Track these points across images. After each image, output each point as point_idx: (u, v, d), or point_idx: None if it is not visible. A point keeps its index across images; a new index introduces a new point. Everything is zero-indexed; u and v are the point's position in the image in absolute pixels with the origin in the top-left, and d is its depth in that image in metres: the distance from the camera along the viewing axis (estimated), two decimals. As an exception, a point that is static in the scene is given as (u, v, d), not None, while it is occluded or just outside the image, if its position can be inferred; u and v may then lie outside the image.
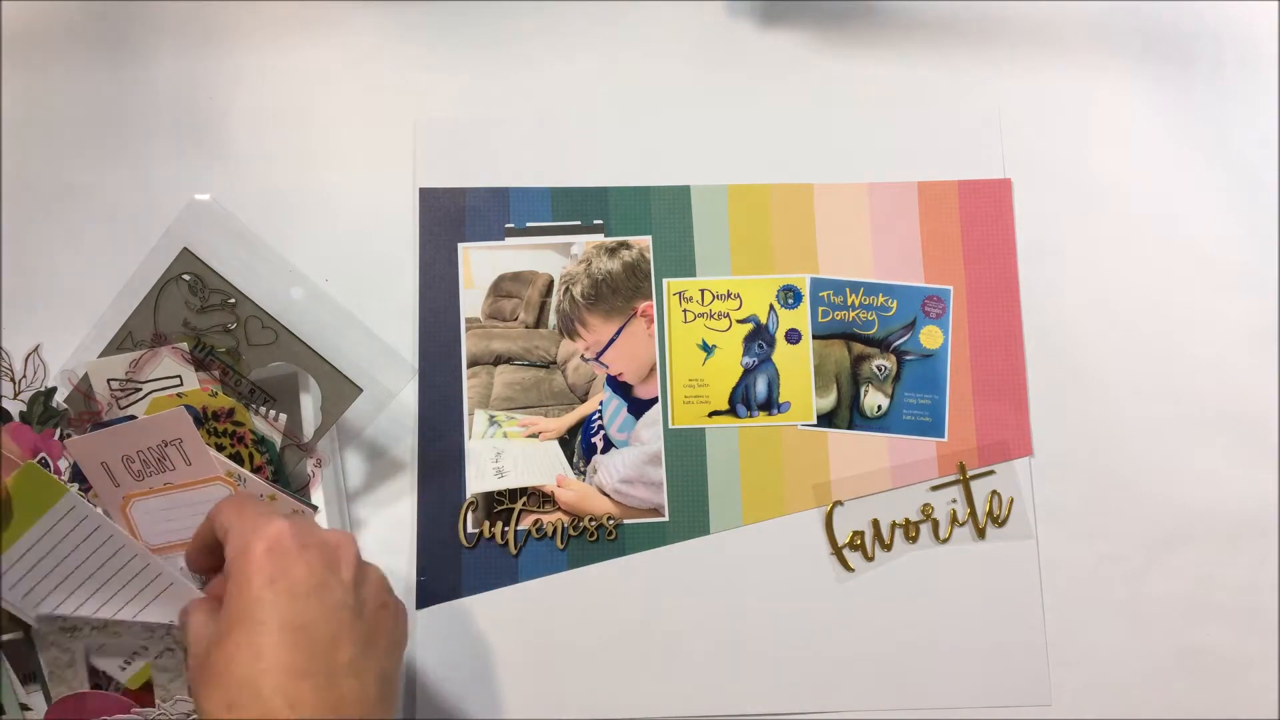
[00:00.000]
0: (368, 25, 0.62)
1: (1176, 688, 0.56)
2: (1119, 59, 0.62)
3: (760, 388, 0.58)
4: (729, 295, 0.59)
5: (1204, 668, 0.56)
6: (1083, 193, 0.61)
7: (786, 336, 0.59)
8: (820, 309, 0.58)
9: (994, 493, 0.57)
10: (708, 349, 0.58)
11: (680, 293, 0.59)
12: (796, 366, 0.58)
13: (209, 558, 0.46)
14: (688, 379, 0.58)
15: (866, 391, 0.57)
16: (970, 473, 0.57)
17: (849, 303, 0.58)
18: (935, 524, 0.57)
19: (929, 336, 0.58)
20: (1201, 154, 0.61)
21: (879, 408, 0.57)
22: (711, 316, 0.59)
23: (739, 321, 0.59)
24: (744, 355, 0.58)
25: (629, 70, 0.62)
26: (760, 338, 0.58)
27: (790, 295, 0.59)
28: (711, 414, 0.58)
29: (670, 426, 0.58)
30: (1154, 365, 0.59)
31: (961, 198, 0.60)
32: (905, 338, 0.58)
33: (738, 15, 0.63)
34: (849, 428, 0.57)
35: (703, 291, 0.59)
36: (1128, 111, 0.62)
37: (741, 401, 0.58)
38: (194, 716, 0.46)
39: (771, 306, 0.59)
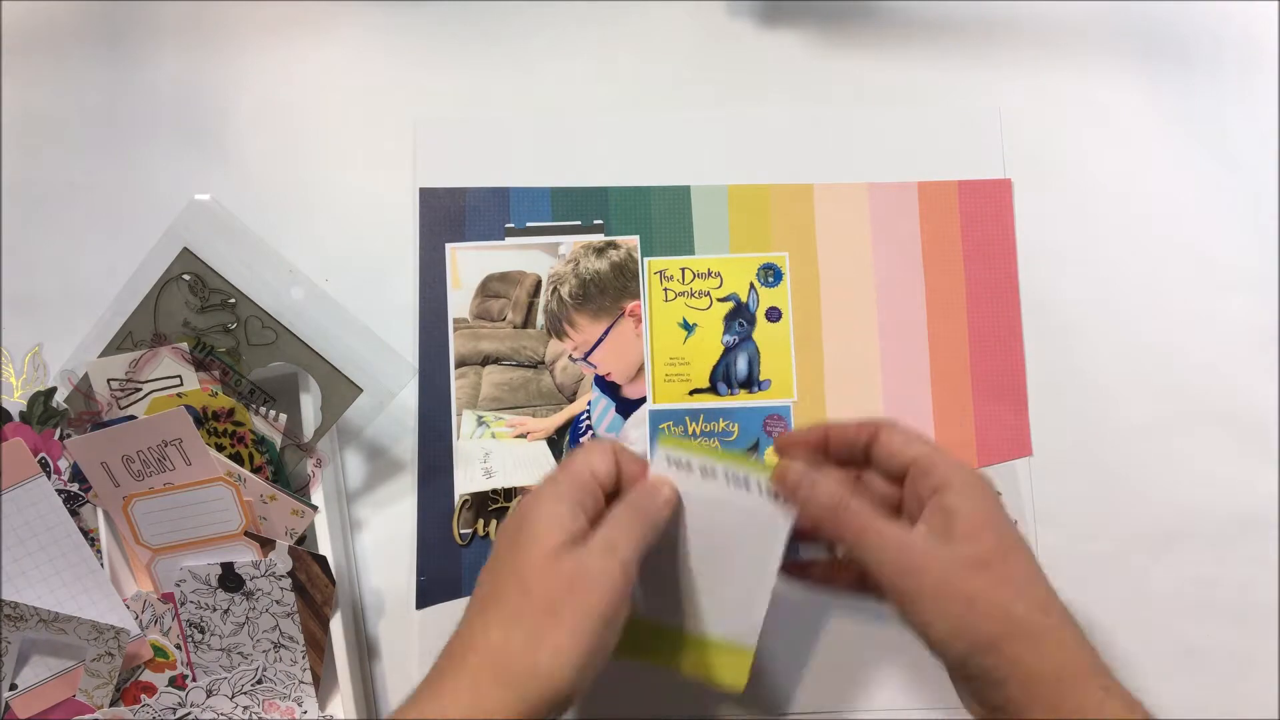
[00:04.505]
0: (368, 25, 0.62)
1: (1177, 688, 0.56)
2: (1119, 59, 0.62)
3: (741, 366, 0.58)
4: (709, 274, 0.59)
5: (1204, 667, 0.56)
6: (1083, 193, 0.61)
7: (767, 315, 0.59)
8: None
9: None
10: (688, 327, 0.58)
11: (661, 271, 0.59)
12: (777, 345, 0.58)
13: (817, 456, 0.47)
14: (668, 357, 0.58)
15: None
16: None
17: (689, 430, 0.57)
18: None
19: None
20: (1201, 154, 0.61)
21: None
22: (692, 295, 0.59)
23: (720, 300, 0.59)
24: (725, 334, 0.58)
25: (629, 70, 0.62)
26: (741, 316, 0.58)
27: (770, 274, 0.58)
28: (692, 392, 0.58)
29: (651, 406, 0.57)
30: (1154, 365, 0.59)
31: (961, 198, 0.60)
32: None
33: (738, 15, 0.63)
34: None
35: (683, 270, 0.59)
36: (1128, 111, 0.62)
37: (722, 379, 0.58)
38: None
39: (752, 285, 0.59)
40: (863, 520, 0.43)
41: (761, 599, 0.45)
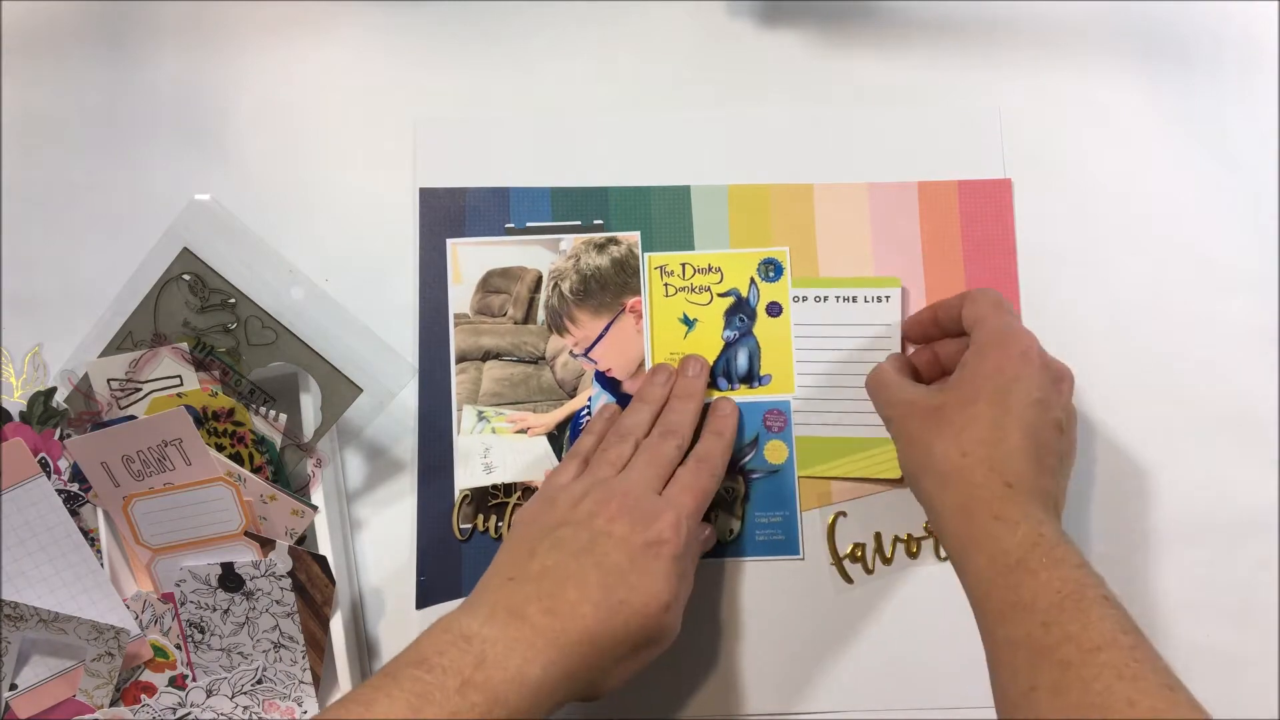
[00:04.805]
0: (368, 25, 0.62)
1: (1176, 688, 0.56)
2: (1119, 59, 0.62)
3: (741, 361, 0.58)
4: (710, 269, 0.59)
5: (1204, 668, 0.56)
6: (1083, 193, 0.61)
7: (767, 310, 0.59)
8: None
9: None
10: (689, 323, 0.58)
11: (661, 267, 0.59)
12: (777, 340, 0.58)
13: (933, 329, 0.55)
14: (669, 353, 0.58)
15: (717, 516, 0.56)
16: None
17: None
18: (937, 541, 0.57)
19: (773, 452, 0.57)
20: (1201, 154, 0.61)
21: (731, 532, 0.56)
22: (692, 290, 0.59)
23: (720, 295, 0.59)
24: (725, 329, 0.58)
25: (629, 70, 0.62)
26: (741, 311, 0.58)
27: (771, 268, 0.59)
28: None
29: None
30: (1154, 365, 0.59)
31: (961, 198, 0.60)
32: (750, 456, 0.57)
33: (738, 15, 0.63)
34: (703, 556, 0.55)
35: (684, 265, 0.59)
36: (1128, 111, 0.62)
37: (723, 374, 0.58)
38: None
39: (752, 280, 0.59)
40: (880, 376, 0.53)
41: None
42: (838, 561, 0.56)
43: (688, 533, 0.48)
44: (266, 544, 0.50)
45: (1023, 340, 0.49)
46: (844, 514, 0.57)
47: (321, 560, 0.51)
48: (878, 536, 0.57)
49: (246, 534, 0.50)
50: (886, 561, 0.57)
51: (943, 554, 0.56)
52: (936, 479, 0.47)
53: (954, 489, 0.46)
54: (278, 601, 0.50)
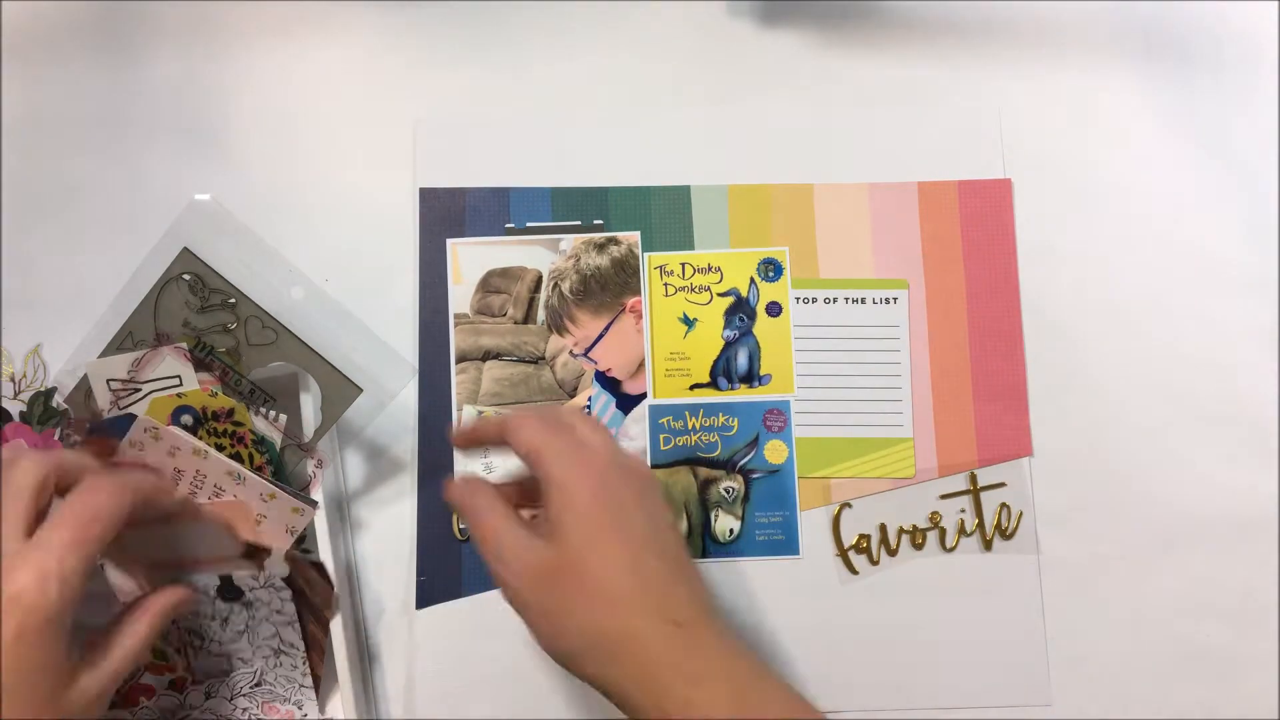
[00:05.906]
0: (368, 25, 0.62)
1: (1176, 688, 0.56)
2: (1119, 59, 0.62)
3: (741, 360, 0.58)
4: (710, 269, 0.59)
5: (1204, 668, 0.56)
6: (1083, 193, 0.61)
7: (767, 309, 0.59)
8: (661, 436, 0.57)
9: (1003, 505, 0.57)
10: (689, 322, 0.58)
11: (661, 266, 0.59)
12: (777, 339, 0.58)
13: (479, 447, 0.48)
14: (669, 352, 0.58)
15: (717, 516, 0.57)
16: (981, 484, 0.57)
17: (689, 426, 0.57)
18: (943, 532, 0.57)
19: (773, 451, 0.57)
20: (1201, 154, 0.61)
21: (731, 532, 0.56)
22: (692, 290, 0.59)
23: (720, 295, 0.59)
24: (725, 328, 0.58)
25: (629, 70, 0.62)
26: (741, 310, 0.59)
27: (771, 268, 0.59)
28: (693, 387, 0.58)
29: (652, 401, 0.58)
30: (1154, 365, 0.59)
31: (961, 198, 0.60)
32: (750, 455, 0.57)
33: (738, 15, 0.63)
34: (702, 556, 0.56)
35: (684, 265, 0.59)
36: (1128, 111, 0.62)
37: (723, 374, 0.58)
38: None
39: (752, 279, 0.59)
40: (489, 521, 0.43)
41: (904, 387, 0.57)
42: (843, 553, 0.56)
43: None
44: (265, 555, 0.50)
45: (594, 460, 0.42)
46: (848, 505, 0.57)
47: (320, 565, 0.51)
48: (882, 528, 0.57)
49: (245, 554, 0.49)
50: (892, 553, 0.57)
51: (949, 545, 0.56)
52: (603, 654, 0.40)
53: (632, 663, 0.40)
54: (278, 611, 0.50)
